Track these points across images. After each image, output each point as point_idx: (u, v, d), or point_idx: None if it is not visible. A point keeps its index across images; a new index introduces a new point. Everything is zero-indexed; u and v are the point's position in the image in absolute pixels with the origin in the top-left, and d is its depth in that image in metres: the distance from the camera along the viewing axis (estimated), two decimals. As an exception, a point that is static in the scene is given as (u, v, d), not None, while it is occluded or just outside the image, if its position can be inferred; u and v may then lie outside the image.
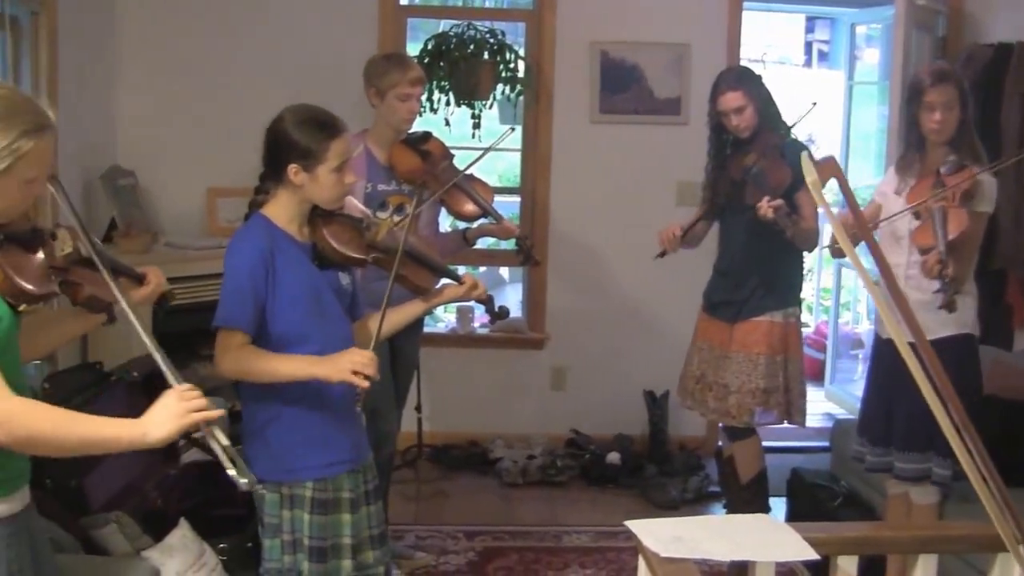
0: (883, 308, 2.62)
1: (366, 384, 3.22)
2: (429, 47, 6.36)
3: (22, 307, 2.58)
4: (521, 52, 6.55)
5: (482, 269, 7.58)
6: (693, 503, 6.06)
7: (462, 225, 5.01)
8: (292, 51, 6.35)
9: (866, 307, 8.62)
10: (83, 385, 4.25)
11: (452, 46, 6.30)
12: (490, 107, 6.49)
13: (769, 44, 13.46)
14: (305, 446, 3.34)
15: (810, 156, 3.24)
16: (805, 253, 4.94)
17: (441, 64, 6.28)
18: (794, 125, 4.76)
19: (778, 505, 5.43)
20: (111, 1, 6.26)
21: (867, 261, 3.09)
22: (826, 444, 6.19)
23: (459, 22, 6.44)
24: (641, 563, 2.75)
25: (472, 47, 6.30)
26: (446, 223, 5.41)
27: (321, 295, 3.38)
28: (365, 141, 4.71)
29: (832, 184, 2.62)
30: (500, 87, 6.38)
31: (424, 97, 4.98)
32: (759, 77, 4.86)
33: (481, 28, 6.38)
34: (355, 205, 4.15)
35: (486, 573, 5.12)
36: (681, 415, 6.29)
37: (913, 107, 4.44)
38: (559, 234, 6.71)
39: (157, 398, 2.57)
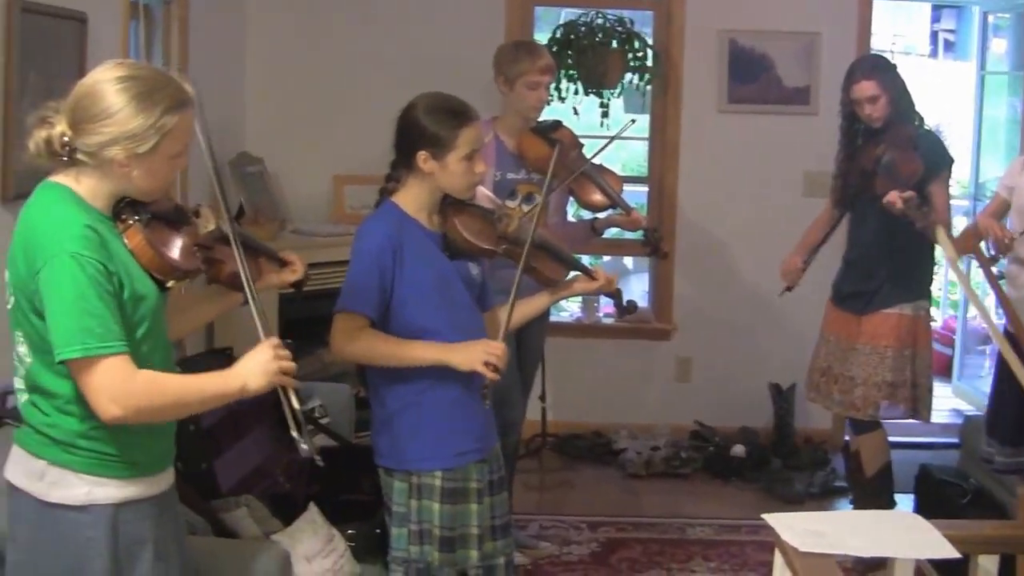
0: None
1: (496, 376, 3.21)
2: (558, 35, 6.35)
3: (170, 283, 2.62)
4: (649, 40, 6.50)
5: (606, 258, 7.55)
6: (819, 498, 5.96)
7: (588, 215, 4.99)
8: (419, 40, 6.38)
9: (994, 302, 8.42)
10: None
11: (581, 34, 6.28)
12: (618, 96, 6.45)
13: (897, 34, 13.21)
14: (435, 435, 3.34)
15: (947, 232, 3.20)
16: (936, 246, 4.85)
17: (569, 52, 6.27)
18: None
19: (904, 502, 5.33)
20: (243, -11, 6.37)
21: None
22: (954, 440, 6.07)
23: (586, 10, 6.42)
24: (777, 557, 2.72)
25: (600, 35, 6.28)
26: (572, 213, 5.39)
27: (451, 285, 3.37)
28: (494, 129, 4.71)
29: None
30: (628, 76, 6.35)
31: (552, 86, 4.97)
32: (894, 67, 4.80)
33: (609, 16, 6.35)
34: (485, 195, 4.14)
35: (610, 564, 5.10)
36: (807, 408, 6.21)
37: None
38: (687, 224, 6.65)
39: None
